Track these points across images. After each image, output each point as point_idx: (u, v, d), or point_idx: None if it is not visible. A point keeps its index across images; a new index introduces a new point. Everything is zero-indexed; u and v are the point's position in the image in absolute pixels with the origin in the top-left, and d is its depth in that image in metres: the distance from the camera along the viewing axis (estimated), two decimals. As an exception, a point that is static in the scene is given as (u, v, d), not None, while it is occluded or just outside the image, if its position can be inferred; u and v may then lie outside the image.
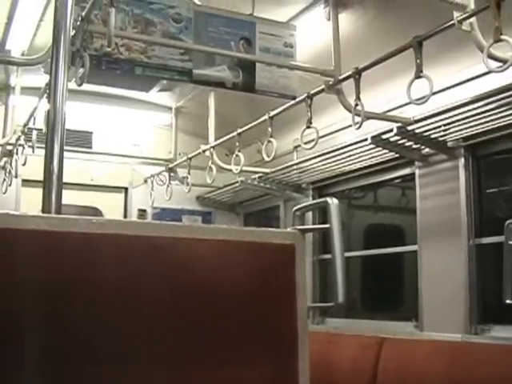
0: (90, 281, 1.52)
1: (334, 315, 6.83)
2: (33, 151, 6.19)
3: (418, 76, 3.86)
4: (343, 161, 6.22)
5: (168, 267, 1.61)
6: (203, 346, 1.64)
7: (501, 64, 3.48)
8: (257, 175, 7.19)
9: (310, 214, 6.78)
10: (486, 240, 5.05)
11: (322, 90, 4.70)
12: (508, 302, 3.49)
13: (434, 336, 5.20)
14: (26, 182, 7.31)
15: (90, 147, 8.20)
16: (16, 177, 7.04)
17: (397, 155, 5.75)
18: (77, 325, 1.50)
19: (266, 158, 5.33)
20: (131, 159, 8.45)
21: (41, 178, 2.27)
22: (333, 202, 1.85)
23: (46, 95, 5.14)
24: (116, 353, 1.54)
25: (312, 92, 4.81)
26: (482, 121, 4.77)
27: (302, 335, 1.75)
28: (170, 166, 7.87)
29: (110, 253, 1.56)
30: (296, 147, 6.93)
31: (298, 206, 2.01)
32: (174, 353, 1.61)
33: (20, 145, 6.55)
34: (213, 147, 6.65)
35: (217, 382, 1.66)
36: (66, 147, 2.37)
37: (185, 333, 1.62)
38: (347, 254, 2.27)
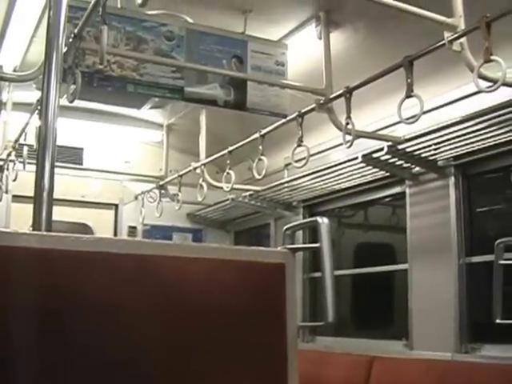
0: (80, 298, 1.51)
1: (324, 334, 6.82)
2: (24, 167, 6.18)
3: (408, 95, 3.87)
4: (334, 179, 6.24)
5: (158, 285, 1.61)
6: (192, 365, 1.63)
7: (491, 84, 3.50)
8: (247, 193, 7.19)
9: (300, 233, 6.77)
10: (476, 259, 5.06)
11: (313, 109, 4.72)
12: (498, 321, 3.50)
13: (424, 355, 5.19)
14: (17, 198, 7.28)
15: (81, 163, 8.19)
16: (6, 192, 7.02)
17: (387, 174, 5.77)
18: (68, 342, 1.50)
19: (257, 176, 5.34)
20: (122, 176, 8.44)
21: (31, 193, 2.27)
22: (323, 221, 1.85)
23: (37, 111, 5.15)
24: (105, 370, 1.53)
25: (303, 111, 4.82)
26: (473, 140, 4.79)
27: (291, 354, 1.75)
28: (161, 183, 7.86)
29: (100, 271, 1.55)
30: (287, 165, 6.94)
31: (289, 225, 2.01)
32: (164, 371, 1.60)
33: (11, 160, 6.54)
34: (204, 165, 6.65)
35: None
36: (56, 163, 2.37)
37: (173, 351, 1.61)
38: (337, 273, 2.28)
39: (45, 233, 1.96)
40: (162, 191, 7.85)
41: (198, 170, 6.71)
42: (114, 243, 1.62)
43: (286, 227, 1.99)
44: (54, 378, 1.49)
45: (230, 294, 1.71)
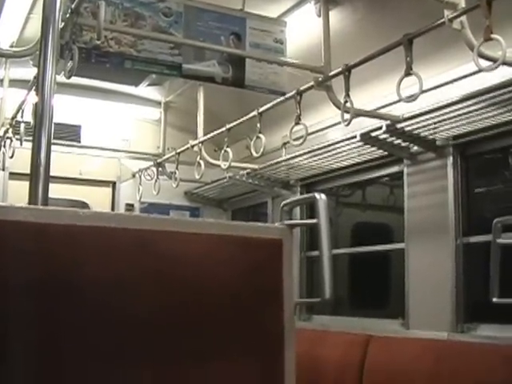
0: (76, 273, 1.51)
1: (320, 312, 6.83)
2: (21, 144, 6.16)
3: (407, 73, 3.86)
4: (332, 158, 6.22)
5: (155, 260, 1.60)
6: (189, 340, 1.63)
7: (491, 63, 3.48)
8: (245, 171, 7.17)
9: (297, 213, 6.78)
10: (473, 239, 5.05)
11: (312, 87, 4.69)
12: (495, 300, 3.50)
13: (420, 334, 5.20)
14: (14, 175, 7.28)
15: (79, 141, 8.17)
16: (3, 170, 7.01)
17: (385, 153, 5.75)
18: (62, 317, 1.49)
19: (255, 154, 5.32)
20: (120, 153, 8.43)
21: (28, 170, 2.26)
22: (321, 197, 1.84)
23: (34, 88, 5.12)
24: (102, 347, 1.53)
25: (301, 88, 4.79)
26: (472, 120, 4.77)
27: (288, 331, 1.75)
28: (159, 160, 7.84)
29: (96, 245, 1.55)
30: (285, 144, 6.92)
31: (286, 201, 2.00)
32: (160, 347, 1.60)
33: (8, 137, 6.52)
34: (201, 142, 6.63)
35: (202, 378, 1.65)
36: (54, 141, 2.36)
37: (170, 327, 1.61)
38: (334, 252, 2.26)
39: (41, 207, 1.95)
40: (160, 169, 7.83)
41: (196, 148, 6.69)
42: (111, 218, 1.61)
43: (283, 203, 1.98)
44: (51, 353, 1.48)
45: (227, 269, 1.70)
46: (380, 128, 5.21)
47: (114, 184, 8.61)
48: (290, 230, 1.82)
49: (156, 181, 7.77)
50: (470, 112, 4.67)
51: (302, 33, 5.31)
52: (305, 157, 6.29)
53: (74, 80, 4.07)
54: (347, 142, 5.71)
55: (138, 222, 1.62)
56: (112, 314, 1.54)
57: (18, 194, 4.45)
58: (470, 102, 4.55)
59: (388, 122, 5.11)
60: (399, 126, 5.13)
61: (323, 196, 1.85)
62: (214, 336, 1.67)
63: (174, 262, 1.63)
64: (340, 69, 4.45)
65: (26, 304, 1.46)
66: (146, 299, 1.59)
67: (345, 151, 5.97)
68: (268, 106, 5.25)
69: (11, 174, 7.36)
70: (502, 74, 4.00)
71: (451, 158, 5.19)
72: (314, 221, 1.85)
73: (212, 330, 1.66)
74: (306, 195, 2.00)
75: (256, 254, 1.75)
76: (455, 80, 4.80)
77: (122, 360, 1.55)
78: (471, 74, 4.51)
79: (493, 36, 3.32)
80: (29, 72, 5.34)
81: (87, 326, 1.52)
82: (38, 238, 1.49)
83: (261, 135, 5.19)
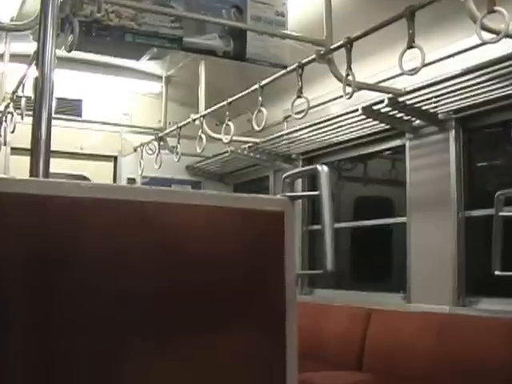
0: (77, 245, 1.50)
1: (322, 286, 6.86)
2: (22, 118, 6.14)
3: (410, 46, 3.84)
4: (333, 131, 6.21)
5: (157, 232, 1.60)
6: (190, 313, 1.63)
7: (494, 35, 3.46)
8: (247, 145, 7.17)
9: (299, 188, 6.78)
10: (475, 213, 5.06)
11: (313, 60, 4.67)
12: (497, 273, 3.51)
13: (421, 308, 5.22)
14: (15, 150, 7.28)
15: (80, 115, 8.16)
16: (5, 144, 7.00)
17: (387, 127, 5.75)
18: (64, 290, 1.49)
19: (256, 128, 5.31)
20: (121, 128, 8.42)
21: (29, 145, 2.26)
22: (323, 169, 1.83)
23: (34, 62, 5.10)
24: (104, 321, 1.53)
25: (303, 61, 4.77)
26: (474, 93, 4.76)
27: (290, 302, 1.75)
28: (160, 135, 7.82)
29: (97, 217, 1.54)
30: (286, 117, 6.92)
31: (288, 173, 1.99)
32: (162, 320, 1.60)
33: (9, 112, 6.50)
34: (203, 116, 6.61)
35: (203, 349, 1.65)
36: (55, 115, 2.36)
37: (172, 300, 1.61)
38: (336, 226, 2.26)
39: (42, 179, 1.95)
40: (161, 143, 7.82)
41: (197, 122, 6.68)
42: (112, 190, 1.61)
43: (285, 175, 1.97)
44: (52, 327, 1.48)
45: (229, 241, 1.70)
46: (382, 101, 5.20)
47: (115, 158, 8.62)
48: (291, 202, 1.82)
49: (157, 155, 7.77)
50: (472, 85, 4.65)
51: (304, 5, 5.28)
52: (306, 130, 6.28)
53: (75, 54, 4.06)
54: (349, 116, 5.71)
55: (140, 194, 1.62)
56: (114, 286, 1.54)
57: (20, 169, 4.44)
58: (472, 76, 4.54)
59: (390, 95, 5.10)
60: (401, 99, 5.12)
61: (325, 168, 1.84)
62: (216, 308, 1.67)
63: (176, 234, 1.63)
64: (342, 42, 4.43)
65: (26, 277, 1.46)
66: (147, 271, 1.59)
67: (346, 125, 5.96)
68: (269, 79, 5.23)
69: (12, 149, 7.36)
70: (504, 48, 3.98)
71: (453, 131, 5.18)
72: (316, 193, 1.84)
73: (213, 302, 1.66)
74: (307, 167, 1.98)
75: (258, 225, 1.74)
76: (457, 53, 4.77)
77: (125, 334, 1.55)
78: (474, 47, 4.48)
79: (496, 8, 3.30)
80: (29, 46, 5.31)
81: (89, 299, 1.52)
82: (38, 210, 1.49)
83: (262, 109, 5.18)
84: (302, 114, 4.88)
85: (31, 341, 1.46)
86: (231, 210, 1.71)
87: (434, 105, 5.10)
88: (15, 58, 6.57)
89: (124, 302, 1.55)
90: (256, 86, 5.37)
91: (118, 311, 1.54)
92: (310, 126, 6.10)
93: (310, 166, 1.95)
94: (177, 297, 1.62)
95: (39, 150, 2.19)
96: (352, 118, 5.72)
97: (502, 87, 4.57)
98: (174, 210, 1.64)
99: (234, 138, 6.18)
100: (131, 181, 8.47)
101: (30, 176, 2.15)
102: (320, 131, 6.24)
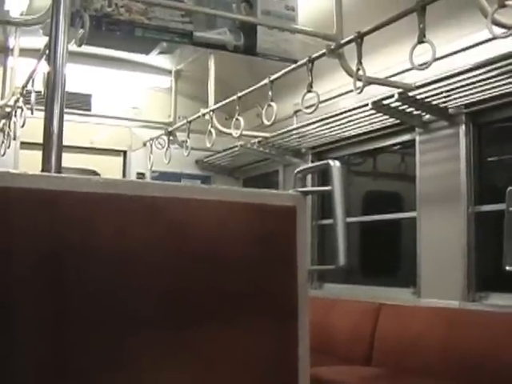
0: (88, 240, 1.51)
1: (332, 281, 6.85)
2: (32, 113, 6.15)
3: (420, 41, 3.82)
4: (343, 126, 6.21)
5: (167, 227, 1.60)
6: (203, 307, 1.63)
7: (505, 30, 3.45)
8: (256, 140, 7.17)
9: (309, 183, 6.77)
10: (485, 208, 5.04)
11: (324, 54, 4.66)
12: (508, 268, 3.49)
13: (431, 303, 5.22)
14: (25, 145, 7.28)
15: (89, 110, 8.17)
16: (14, 139, 7.01)
17: (397, 121, 5.74)
18: (75, 284, 1.49)
19: (266, 123, 5.31)
20: (130, 122, 8.42)
21: (39, 140, 2.26)
22: (335, 164, 1.83)
23: (44, 57, 5.10)
24: (116, 314, 1.54)
25: (313, 56, 4.77)
26: (484, 88, 4.75)
27: (302, 297, 1.75)
28: (170, 129, 7.82)
29: (109, 212, 1.55)
30: (296, 112, 6.92)
31: (300, 168, 1.99)
32: (174, 314, 1.61)
33: (19, 107, 6.51)
34: (212, 111, 6.61)
35: (216, 345, 1.65)
36: (65, 110, 2.35)
37: (185, 294, 1.61)
38: (346, 220, 2.25)
39: (54, 174, 1.95)
40: (171, 138, 7.81)
41: (207, 116, 6.67)
42: (123, 185, 1.61)
43: (297, 170, 1.97)
44: (64, 321, 1.49)
45: (240, 236, 1.70)
46: (392, 96, 5.18)
47: (124, 153, 8.63)
48: (303, 197, 1.82)
49: (167, 149, 7.76)
50: (482, 80, 4.64)
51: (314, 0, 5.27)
52: (316, 125, 6.28)
53: (85, 49, 4.06)
54: (359, 110, 5.70)
55: (151, 189, 1.62)
56: (125, 280, 1.55)
57: (29, 163, 4.45)
58: (483, 70, 4.52)
59: (400, 89, 5.09)
60: (411, 93, 5.10)
61: (337, 163, 1.84)
62: (228, 303, 1.67)
63: (187, 229, 1.63)
64: (352, 36, 4.42)
65: (37, 272, 1.46)
66: (158, 266, 1.59)
67: (356, 119, 5.95)
68: (279, 73, 5.22)
69: (22, 143, 7.37)
70: (515, 42, 3.97)
71: (463, 126, 5.17)
72: (328, 188, 1.84)
73: (226, 297, 1.67)
74: (319, 162, 1.98)
75: (269, 221, 1.74)
76: (468, 48, 4.76)
77: (135, 325, 1.56)
78: (484, 42, 4.47)
79: (507, 2, 3.29)
80: (39, 41, 5.32)
81: (100, 293, 1.52)
82: (50, 205, 1.49)
83: (272, 103, 5.18)
84: (312, 109, 4.87)
85: (43, 333, 1.46)
86: (243, 204, 1.71)
87: (444, 99, 5.09)
88: (24, 52, 6.57)
89: (136, 295, 1.56)
90: (266, 81, 5.37)
91: (128, 305, 1.55)
92: (320, 120, 6.10)
93: (322, 162, 1.94)
94: (188, 291, 1.62)
95: (51, 145, 2.19)
96: (362, 112, 5.71)
97: (513, 82, 4.56)
98: (184, 205, 1.64)
99: (244, 132, 6.18)
100: (141, 175, 8.47)
101: (42, 171, 2.15)
102: (330, 126, 6.24)
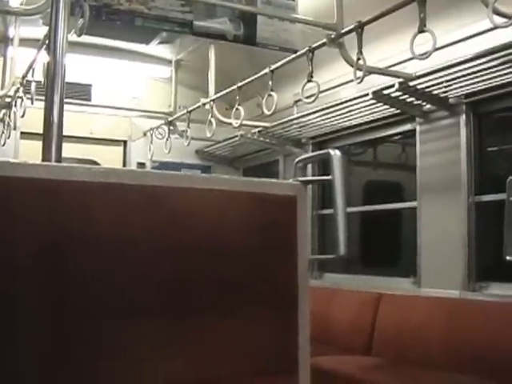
0: (89, 229, 1.51)
1: (332, 270, 6.86)
2: (32, 103, 6.14)
3: (421, 30, 3.82)
4: (344, 116, 6.20)
5: (167, 216, 1.60)
6: (203, 297, 1.64)
7: (506, 20, 3.44)
8: (257, 129, 7.16)
9: (309, 172, 6.76)
10: (485, 198, 5.04)
11: (324, 44, 4.65)
12: (508, 258, 3.49)
13: (431, 292, 5.22)
14: (25, 135, 7.28)
15: (89, 100, 8.16)
16: (15, 129, 7.00)
17: (398, 111, 5.73)
18: (75, 273, 1.50)
19: (267, 112, 5.31)
20: (130, 112, 8.41)
21: (39, 130, 2.26)
22: (335, 153, 1.83)
23: (44, 47, 5.09)
24: (116, 303, 1.54)
25: (314, 46, 4.76)
26: (485, 78, 4.74)
27: (302, 287, 1.75)
28: (170, 119, 7.82)
29: (108, 201, 1.55)
30: (296, 102, 6.91)
31: (300, 158, 1.99)
32: (175, 304, 1.61)
33: (19, 97, 6.50)
34: (213, 101, 6.60)
35: (216, 334, 1.66)
36: (65, 99, 2.35)
37: (185, 283, 1.61)
38: (347, 210, 2.24)
39: (54, 164, 1.96)
40: (171, 127, 7.81)
41: (207, 106, 6.67)
42: (123, 174, 1.61)
43: (297, 159, 1.97)
44: (64, 311, 1.49)
45: (240, 225, 1.70)
46: (392, 86, 5.17)
47: (125, 143, 8.62)
48: (304, 187, 1.82)
49: (167, 139, 7.76)
50: (483, 70, 4.63)
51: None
52: (316, 115, 6.27)
53: (85, 39, 4.04)
54: (359, 100, 5.69)
55: (151, 178, 1.62)
56: (126, 270, 1.55)
57: (29, 153, 4.45)
58: (483, 60, 4.51)
59: (400, 79, 5.08)
60: (412, 83, 5.10)
61: (338, 152, 1.84)
62: (228, 292, 1.67)
63: (187, 219, 1.63)
64: (353, 26, 4.41)
65: (37, 261, 1.46)
66: (158, 255, 1.59)
67: (357, 109, 5.95)
68: (280, 63, 5.22)
69: (22, 133, 7.36)
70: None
71: (464, 116, 5.16)
72: (328, 177, 1.84)
73: (226, 286, 1.67)
74: (320, 151, 1.98)
75: (270, 210, 1.74)
76: (469, 37, 4.75)
77: (135, 314, 1.56)
78: (485, 32, 4.46)
79: (508, -8, 3.29)
80: (39, 31, 5.31)
81: (100, 283, 1.52)
82: (50, 194, 1.49)
83: (272, 93, 5.18)
84: (313, 98, 4.87)
85: (43, 324, 1.47)
86: (243, 194, 1.71)
87: (444, 89, 5.08)
88: (24, 42, 6.55)
89: (135, 285, 1.56)
90: (266, 71, 5.36)
91: (128, 294, 1.55)
92: (320, 110, 6.09)
93: (323, 151, 1.94)
94: (188, 280, 1.62)
95: (51, 135, 2.20)
96: (362, 102, 5.70)
97: (513, 71, 4.55)
98: (185, 195, 1.64)
99: (244, 122, 6.18)
100: (141, 165, 8.46)
101: (42, 161, 2.15)
102: (330, 115, 6.23)
